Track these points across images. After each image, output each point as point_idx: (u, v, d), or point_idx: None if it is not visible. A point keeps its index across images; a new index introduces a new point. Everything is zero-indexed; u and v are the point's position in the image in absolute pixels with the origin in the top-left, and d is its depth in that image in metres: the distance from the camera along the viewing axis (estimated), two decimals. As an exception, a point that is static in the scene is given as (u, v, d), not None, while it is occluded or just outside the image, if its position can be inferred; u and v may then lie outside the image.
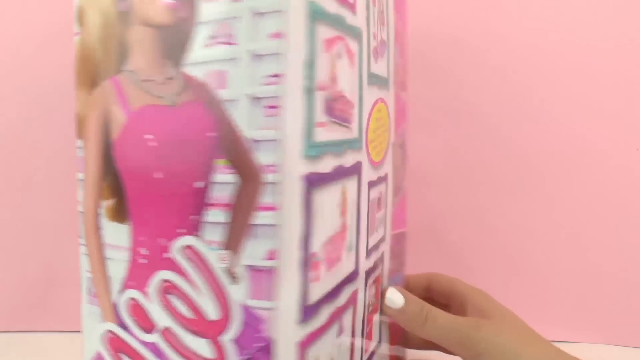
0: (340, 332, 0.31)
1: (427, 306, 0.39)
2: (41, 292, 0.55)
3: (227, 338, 0.25)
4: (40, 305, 0.55)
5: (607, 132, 0.53)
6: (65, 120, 0.49)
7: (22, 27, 0.53)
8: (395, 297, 0.39)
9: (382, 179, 0.39)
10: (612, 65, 0.54)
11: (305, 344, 0.26)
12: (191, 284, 0.25)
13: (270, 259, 0.24)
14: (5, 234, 0.54)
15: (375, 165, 0.37)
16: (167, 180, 0.25)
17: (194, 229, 0.25)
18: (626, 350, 0.54)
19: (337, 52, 0.28)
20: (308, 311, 0.26)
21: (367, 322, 0.37)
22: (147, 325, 0.27)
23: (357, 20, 0.31)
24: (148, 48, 0.24)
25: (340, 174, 0.29)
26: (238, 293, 0.24)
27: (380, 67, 0.37)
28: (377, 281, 0.40)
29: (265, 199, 0.23)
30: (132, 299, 0.27)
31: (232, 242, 0.24)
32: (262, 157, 0.23)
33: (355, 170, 0.32)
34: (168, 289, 0.26)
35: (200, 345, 0.25)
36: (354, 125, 0.32)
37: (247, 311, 0.24)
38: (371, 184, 0.36)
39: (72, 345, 0.51)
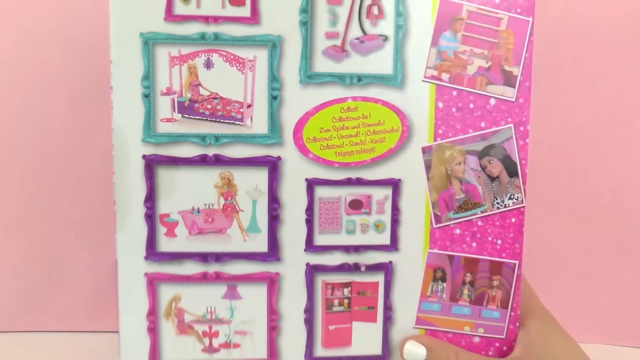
0: (230, 295, 0.37)
1: (453, 350, 0.38)
2: (41, 292, 0.55)
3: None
4: (40, 305, 0.56)
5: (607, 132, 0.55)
6: (65, 120, 0.53)
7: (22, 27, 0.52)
8: (417, 349, 0.39)
9: (366, 182, 0.37)
10: (612, 64, 0.54)
11: (152, 277, 0.36)
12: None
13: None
14: (5, 234, 0.55)
15: (335, 165, 0.36)
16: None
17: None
18: (626, 350, 0.56)
19: (203, 62, 0.35)
20: (158, 254, 0.37)
21: (325, 319, 0.38)
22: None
23: (262, 29, 0.35)
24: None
25: (212, 161, 0.35)
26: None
27: (352, 65, 0.36)
28: (368, 287, 0.38)
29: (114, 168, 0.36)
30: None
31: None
32: (114, 140, 0.36)
33: (258, 162, 0.36)
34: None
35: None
36: (255, 122, 0.36)
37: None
38: (325, 183, 0.37)
39: (72, 345, 0.53)
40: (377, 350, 0.39)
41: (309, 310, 0.38)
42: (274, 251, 0.38)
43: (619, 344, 0.57)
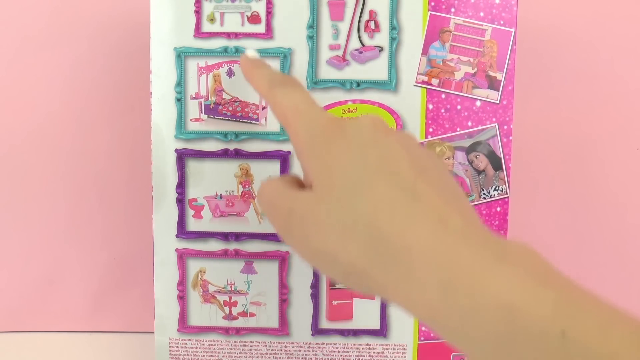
0: (246, 270, 0.43)
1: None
2: (41, 292, 0.55)
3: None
4: (40, 305, 0.55)
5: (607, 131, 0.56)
6: (66, 120, 0.54)
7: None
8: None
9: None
10: (612, 64, 0.55)
11: (181, 252, 0.43)
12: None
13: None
14: (5, 234, 0.54)
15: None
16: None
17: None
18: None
19: (225, 71, 0.41)
20: (187, 233, 0.43)
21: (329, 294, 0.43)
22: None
23: (275, 43, 0.41)
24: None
25: (233, 154, 0.42)
26: (156, 209, 0.45)
27: (352, 72, 0.42)
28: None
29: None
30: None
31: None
32: (152, 136, 0.43)
33: (271, 156, 0.42)
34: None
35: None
36: (269, 122, 0.42)
37: (155, 219, 0.44)
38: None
39: (72, 345, 0.54)
40: (375, 324, 0.44)
41: (315, 286, 0.44)
42: (284, 232, 0.43)
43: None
